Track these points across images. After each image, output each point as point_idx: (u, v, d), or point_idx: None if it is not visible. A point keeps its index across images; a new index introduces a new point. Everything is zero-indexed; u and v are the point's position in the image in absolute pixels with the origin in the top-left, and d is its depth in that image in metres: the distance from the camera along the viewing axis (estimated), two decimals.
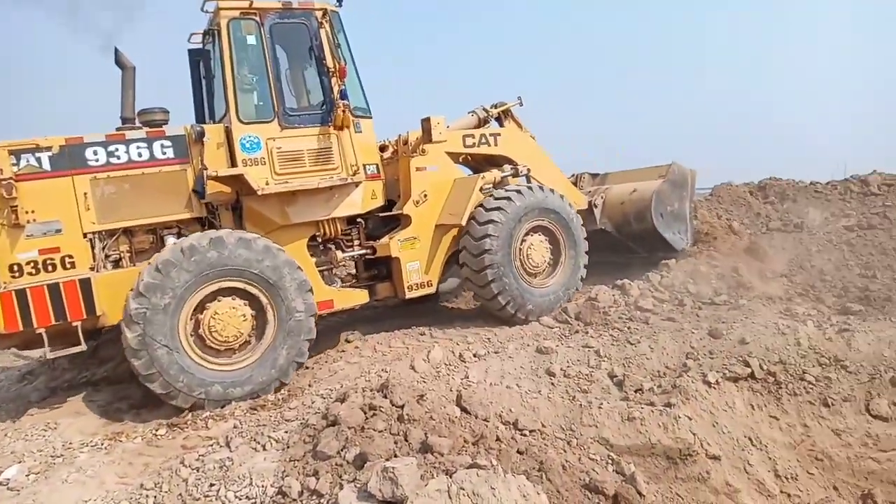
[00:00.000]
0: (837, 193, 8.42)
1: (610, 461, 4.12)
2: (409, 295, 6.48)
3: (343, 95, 5.91)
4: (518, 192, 6.65)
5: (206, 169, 5.50)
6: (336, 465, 3.45)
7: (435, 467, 3.24)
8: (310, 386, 5.23)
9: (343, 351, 6.14)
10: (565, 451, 4.15)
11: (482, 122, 7.80)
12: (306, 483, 3.36)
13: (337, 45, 6.01)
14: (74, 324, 4.95)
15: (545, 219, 6.84)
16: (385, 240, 6.44)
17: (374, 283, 6.59)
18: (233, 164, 5.66)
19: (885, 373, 5.13)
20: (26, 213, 4.99)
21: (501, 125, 7.87)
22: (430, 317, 7.18)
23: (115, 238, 5.47)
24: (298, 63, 6.46)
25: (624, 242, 8.04)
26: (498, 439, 4.01)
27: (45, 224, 5.08)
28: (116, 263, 5.47)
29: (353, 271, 6.74)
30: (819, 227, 7.74)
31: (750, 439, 4.59)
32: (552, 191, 6.99)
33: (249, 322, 5.26)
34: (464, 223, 6.49)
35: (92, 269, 5.24)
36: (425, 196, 6.65)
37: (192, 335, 5.05)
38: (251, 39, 5.82)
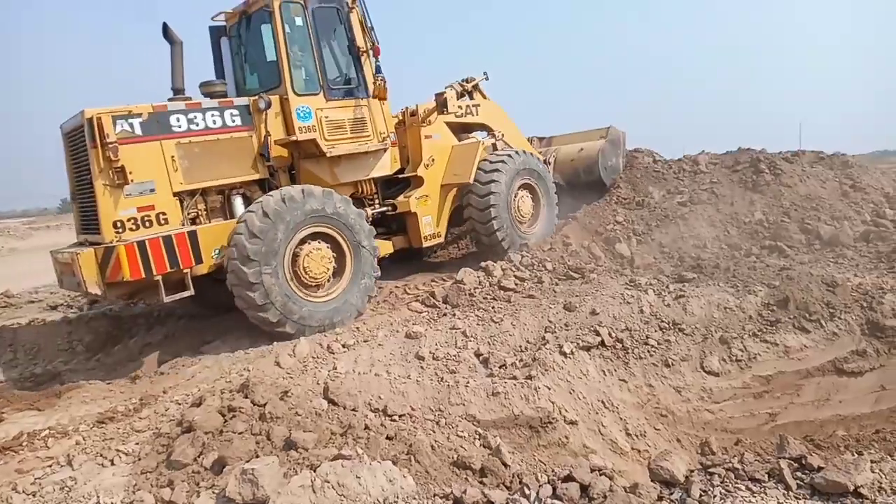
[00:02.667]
0: (672, 172, 9.22)
1: (477, 436, 4.25)
2: (425, 244, 7.65)
3: (379, 70, 6.97)
4: (514, 153, 8.13)
5: (269, 135, 6.32)
6: (193, 472, 3.26)
7: (299, 463, 3.17)
8: (164, 392, 4.88)
9: (201, 353, 5.80)
10: (434, 432, 4.22)
11: (460, 96, 8.62)
12: (160, 495, 3.15)
13: (371, 27, 6.94)
14: (185, 271, 5.60)
15: (530, 177, 8.32)
16: (402, 198, 7.52)
17: (390, 237, 7.51)
18: (288, 131, 6.46)
19: (715, 333, 5.73)
20: (127, 174, 5.43)
21: (471, 97, 8.75)
22: None
23: (194, 198, 6.01)
24: (334, 43, 7.12)
25: (569, 194, 9.35)
26: (367, 428, 3.98)
27: (141, 184, 5.55)
28: (193, 221, 6.00)
29: None
30: (658, 204, 8.45)
31: (603, 402, 4.93)
32: (533, 154, 8.52)
33: (332, 261, 6.21)
34: (471, 181, 7.72)
35: (182, 224, 5.80)
36: (432, 160, 7.81)
37: (291, 273, 5.89)
38: (298, 21, 6.55)
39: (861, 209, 7.92)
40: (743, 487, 3.23)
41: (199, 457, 3.37)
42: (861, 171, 8.75)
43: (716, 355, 5.53)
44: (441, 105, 7.73)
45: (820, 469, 3.22)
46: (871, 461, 3.30)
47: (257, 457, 3.28)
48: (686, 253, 7.49)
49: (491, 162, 7.88)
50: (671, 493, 3.23)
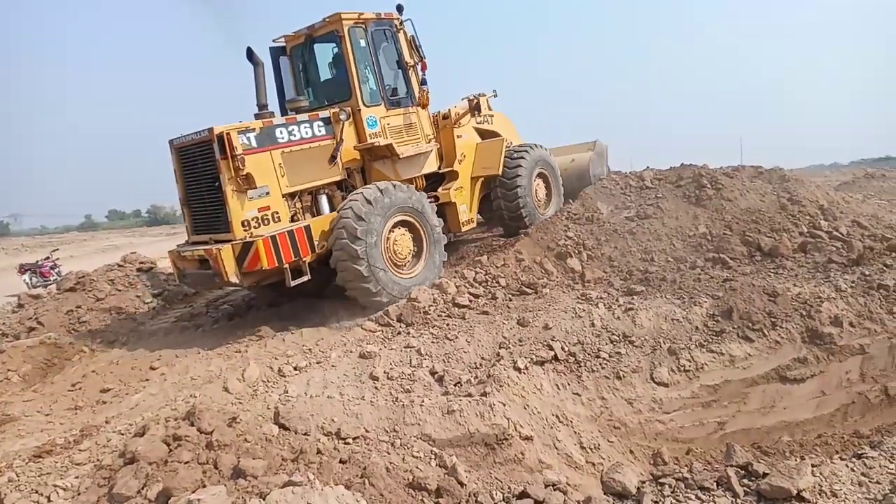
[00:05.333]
0: (619, 188, 9.43)
1: (433, 456, 4.21)
2: (464, 229, 8.82)
3: (424, 82, 8.11)
4: (531, 147, 9.61)
5: (342, 142, 7.37)
6: None
7: (248, 492, 3.07)
8: (106, 423, 4.68)
9: (146, 380, 5.60)
10: (389, 454, 4.17)
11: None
12: None
13: (418, 45, 8.00)
14: (304, 259, 6.66)
15: (544, 168, 9.86)
16: (442, 190, 8.63)
17: None
18: (360, 138, 7.60)
19: (663, 344, 5.84)
20: (252, 180, 6.36)
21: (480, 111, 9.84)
22: (246, 332, 6.83)
23: (294, 199, 7.03)
24: (387, 59, 8.08)
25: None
26: (319, 452, 3.91)
27: (259, 189, 6.52)
28: (293, 218, 6.92)
29: None
30: (606, 219, 8.61)
31: (557, 417, 4.95)
32: (547, 150, 10.05)
33: (412, 244, 7.42)
34: (500, 173, 9.04)
35: (289, 222, 6.77)
36: (463, 156, 8.98)
37: (385, 253, 6.96)
38: (362, 42, 7.61)
39: (798, 221, 8.23)
40: (693, 497, 3.30)
41: (142, 489, 3.23)
42: (798, 185, 9.10)
43: (665, 366, 5.64)
44: (474, 108, 9.08)
45: (765, 475, 3.31)
46: (813, 465, 3.42)
47: (204, 486, 3.17)
48: (634, 266, 7.64)
49: (514, 155, 9.28)
50: None
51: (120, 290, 9.15)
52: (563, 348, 5.54)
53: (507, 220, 9.34)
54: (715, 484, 3.34)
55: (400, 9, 7.98)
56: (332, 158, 7.32)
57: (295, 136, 6.96)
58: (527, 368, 5.22)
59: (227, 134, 6.24)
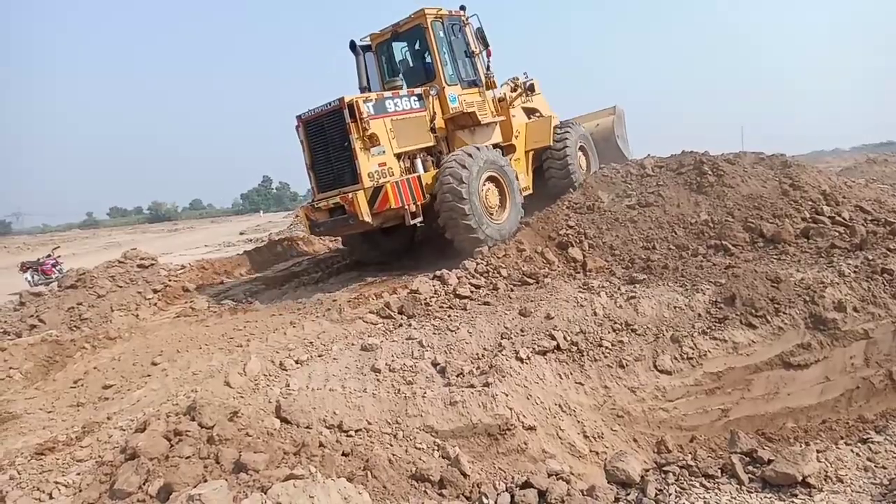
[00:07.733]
0: (620, 176, 9.36)
1: (436, 447, 4.20)
2: (523, 194, 9.86)
3: (489, 67, 9.85)
4: (573, 124, 11.44)
5: (435, 114, 9.20)
6: (137, 501, 3.12)
7: (249, 486, 3.06)
8: (108, 419, 4.66)
9: (148, 375, 5.58)
10: (391, 446, 4.16)
11: (514, 88, 11.15)
12: None
13: (484, 35, 9.62)
14: (418, 203, 8.32)
15: (585, 143, 11.71)
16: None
17: None
18: (443, 111, 9.33)
19: (666, 332, 5.81)
20: (375, 140, 8.01)
21: (514, 91, 11.26)
22: (247, 326, 6.81)
23: (400, 159, 8.60)
24: (458, 47, 9.76)
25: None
26: (321, 445, 3.90)
27: (378, 148, 8.16)
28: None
29: None
30: (607, 207, 8.56)
31: (560, 406, 4.93)
32: (583, 126, 11.98)
33: (498, 196, 9.06)
34: (551, 144, 10.65)
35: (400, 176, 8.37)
36: (518, 132, 10.63)
37: (480, 200, 8.47)
38: (441, 33, 9.34)
39: (801, 207, 8.16)
40: (697, 484, 3.28)
41: (143, 484, 3.22)
42: (799, 171, 9.01)
43: (668, 354, 5.60)
44: (528, 88, 10.77)
45: (770, 462, 3.29)
46: (818, 451, 3.40)
47: (205, 481, 3.15)
48: (636, 255, 7.59)
49: (560, 131, 10.99)
50: (627, 494, 3.26)
51: (121, 287, 9.14)
52: (565, 338, 5.51)
53: (558, 181, 10.82)
54: (719, 471, 3.32)
55: (463, 7, 9.71)
56: (432, 129, 9.10)
57: (399, 107, 8.62)
58: (529, 358, 5.19)
59: (356, 101, 7.91)
